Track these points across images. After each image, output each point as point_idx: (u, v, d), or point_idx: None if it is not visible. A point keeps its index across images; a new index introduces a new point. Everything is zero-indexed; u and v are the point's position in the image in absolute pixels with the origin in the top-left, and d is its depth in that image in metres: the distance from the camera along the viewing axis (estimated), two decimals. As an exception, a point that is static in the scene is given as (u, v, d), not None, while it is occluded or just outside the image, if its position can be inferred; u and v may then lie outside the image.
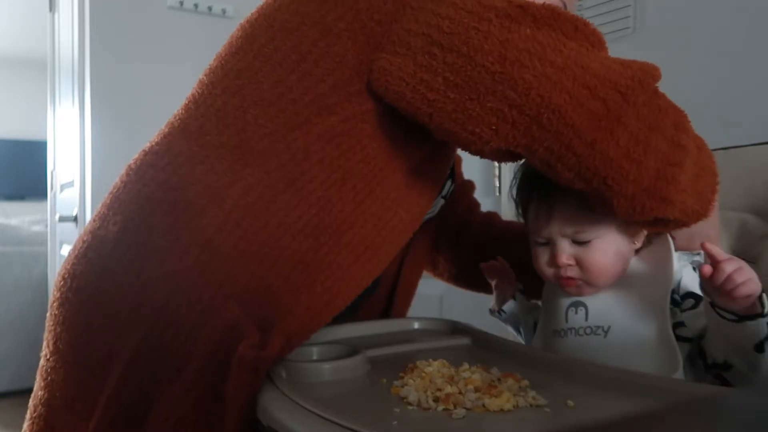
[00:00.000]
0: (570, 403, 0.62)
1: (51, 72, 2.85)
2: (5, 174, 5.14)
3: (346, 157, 0.77)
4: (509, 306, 1.00)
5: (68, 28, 2.47)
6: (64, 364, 0.77)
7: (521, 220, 0.93)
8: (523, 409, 0.61)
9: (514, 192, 0.91)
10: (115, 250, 0.76)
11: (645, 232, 0.83)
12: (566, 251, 0.82)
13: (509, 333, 1.53)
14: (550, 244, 0.84)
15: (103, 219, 0.79)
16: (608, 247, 0.81)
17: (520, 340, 1.01)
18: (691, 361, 0.77)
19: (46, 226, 2.99)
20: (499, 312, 1.01)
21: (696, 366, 0.77)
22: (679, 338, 0.76)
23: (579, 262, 0.82)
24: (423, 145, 0.82)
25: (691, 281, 0.79)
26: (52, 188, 2.83)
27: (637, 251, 0.84)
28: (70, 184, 2.44)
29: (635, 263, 0.84)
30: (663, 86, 1.27)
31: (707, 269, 0.69)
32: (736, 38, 1.16)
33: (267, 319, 0.73)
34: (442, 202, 1.00)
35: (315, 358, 0.78)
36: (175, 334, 0.71)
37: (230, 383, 0.68)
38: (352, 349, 0.77)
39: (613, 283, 0.83)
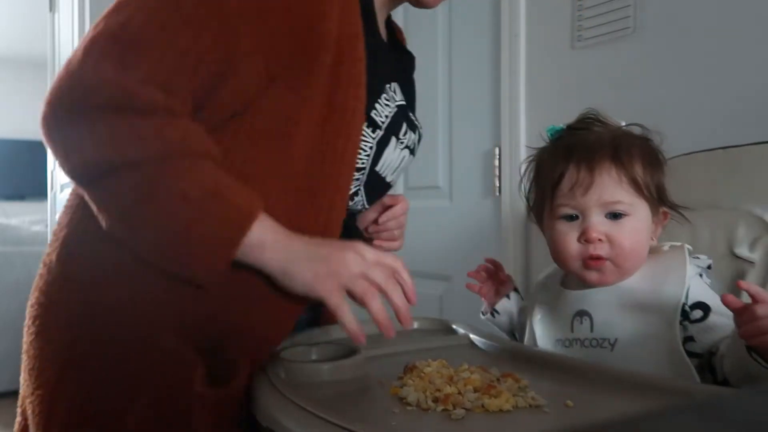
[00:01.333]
0: (569, 403, 0.62)
1: (51, 72, 2.85)
2: (5, 174, 5.14)
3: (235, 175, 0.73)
4: (503, 305, 0.97)
5: (68, 28, 2.47)
6: (41, 397, 0.75)
7: (531, 202, 0.89)
8: (523, 410, 0.61)
9: (529, 173, 0.88)
10: (61, 282, 0.76)
11: (666, 222, 0.82)
12: (599, 226, 0.79)
13: (509, 333, 1.53)
14: (581, 218, 0.80)
15: (52, 246, 0.80)
16: (640, 228, 0.79)
17: None
18: (698, 374, 0.74)
19: (46, 226, 2.99)
20: (492, 313, 0.98)
21: (704, 379, 0.74)
22: (688, 353, 0.73)
23: (610, 240, 0.78)
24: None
25: (698, 290, 0.76)
26: (52, 188, 2.82)
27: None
28: (70, 184, 2.44)
29: (645, 272, 0.81)
30: (663, 87, 1.27)
31: (732, 299, 0.63)
32: (736, 38, 1.16)
33: (215, 343, 0.72)
34: (407, 155, 0.90)
35: (314, 358, 0.78)
36: (119, 363, 0.71)
37: (193, 423, 0.67)
38: (350, 349, 0.77)
39: (630, 274, 0.80)
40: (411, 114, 0.92)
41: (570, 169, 0.80)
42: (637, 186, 0.79)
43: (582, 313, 0.81)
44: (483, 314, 1.00)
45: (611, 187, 0.78)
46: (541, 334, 0.88)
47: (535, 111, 1.54)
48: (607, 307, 0.80)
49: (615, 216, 0.79)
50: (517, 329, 0.97)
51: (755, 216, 0.89)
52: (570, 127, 0.85)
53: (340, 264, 0.69)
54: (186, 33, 0.68)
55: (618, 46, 1.35)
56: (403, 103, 0.88)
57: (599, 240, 0.78)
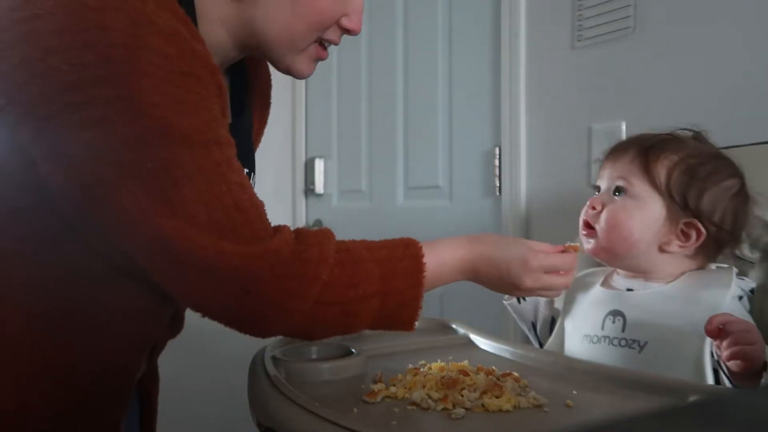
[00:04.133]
0: (569, 403, 0.62)
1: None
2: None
3: None
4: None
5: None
6: None
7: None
8: (523, 410, 0.61)
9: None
10: None
11: (700, 242, 0.81)
12: (602, 198, 0.85)
13: (508, 332, 1.53)
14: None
15: None
16: (637, 212, 0.82)
17: (529, 335, 0.99)
18: None
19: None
20: (518, 299, 0.97)
21: None
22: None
23: (603, 210, 0.84)
24: None
25: (733, 308, 0.76)
26: None
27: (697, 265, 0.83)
28: None
29: (688, 282, 0.81)
30: (663, 87, 1.27)
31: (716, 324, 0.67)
32: (736, 38, 1.16)
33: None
34: None
35: (313, 357, 0.78)
36: None
37: None
38: (349, 348, 0.77)
39: (618, 255, 0.84)
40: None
41: (609, 154, 0.89)
42: (649, 175, 0.81)
43: (616, 313, 0.83)
44: (506, 300, 1.00)
45: (622, 165, 0.84)
46: (571, 328, 0.88)
47: (535, 111, 1.54)
48: (643, 310, 0.81)
49: (617, 192, 0.84)
50: (539, 320, 0.97)
51: (755, 216, 0.89)
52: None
53: (521, 290, 0.77)
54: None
55: (618, 46, 1.35)
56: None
57: (593, 208, 0.85)
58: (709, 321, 0.67)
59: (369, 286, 0.68)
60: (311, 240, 0.67)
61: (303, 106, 2.35)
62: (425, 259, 0.70)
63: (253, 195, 0.67)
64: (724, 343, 0.67)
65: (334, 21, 0.76)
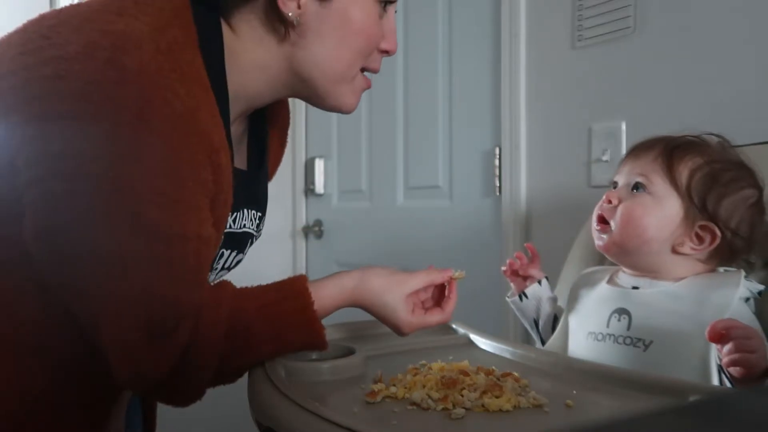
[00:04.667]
0: (569, 403, 0.62)
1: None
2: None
3: None
4: (534, 290, 0.97)
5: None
6: None
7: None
8: (523, 410, 0.61)
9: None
10: None
11: (713, 246, 0.81)
12: (620, 193, 0.85)
13: (508, 332, 1.53)
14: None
15: None
16: (654, 210, 0.81)
17: (532, 333, 0.99)
18: None
19: None
20: (520, 297, 0.98)
21: None
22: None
23: (620, 205, 0.84)
24: None
25: (739, 309, 0.76)
26: None
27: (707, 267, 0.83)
28: None
29: (695, 282, 0.81)
30: (663, 87, 1.27)
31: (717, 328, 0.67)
32: (736, 37, 1.16)
33: None
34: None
35: (313, 357, 0.78)
36: None
37: None
38: (350, 348, 0.77)
39: (630, 252, 0.83)
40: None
41: (631, 151, 0.89)
42: (671, 175, 0.81)
43: (621, 311, 0.82)
44: (508, 297, 1.00)
45: (644, 163, 0.84)
46: (575, 325, 0.88)
47: (535, 111, 1.54)
48: (649, 309, 0.81)
49: (636, 189, 0.84)
50: (541, 317, 0.97)
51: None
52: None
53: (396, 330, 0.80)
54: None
55: (618, 46, 1.35)
56: (246, 230, 0.85)
57: (609, 201, 0.85)
58: (712, 326, 0.67)
59: (263, 350, 0.71)
60: (206, 319, 0.67)
61: (303, 107, 2.35)
62: (315, 306, 0.72)
63: (192, 290, 0.67)
64: (725, 349, 0.67)
65: (377, 44, 0.77)
